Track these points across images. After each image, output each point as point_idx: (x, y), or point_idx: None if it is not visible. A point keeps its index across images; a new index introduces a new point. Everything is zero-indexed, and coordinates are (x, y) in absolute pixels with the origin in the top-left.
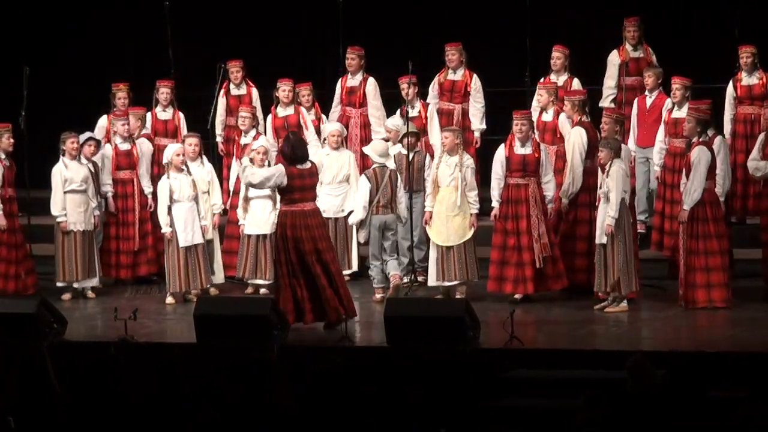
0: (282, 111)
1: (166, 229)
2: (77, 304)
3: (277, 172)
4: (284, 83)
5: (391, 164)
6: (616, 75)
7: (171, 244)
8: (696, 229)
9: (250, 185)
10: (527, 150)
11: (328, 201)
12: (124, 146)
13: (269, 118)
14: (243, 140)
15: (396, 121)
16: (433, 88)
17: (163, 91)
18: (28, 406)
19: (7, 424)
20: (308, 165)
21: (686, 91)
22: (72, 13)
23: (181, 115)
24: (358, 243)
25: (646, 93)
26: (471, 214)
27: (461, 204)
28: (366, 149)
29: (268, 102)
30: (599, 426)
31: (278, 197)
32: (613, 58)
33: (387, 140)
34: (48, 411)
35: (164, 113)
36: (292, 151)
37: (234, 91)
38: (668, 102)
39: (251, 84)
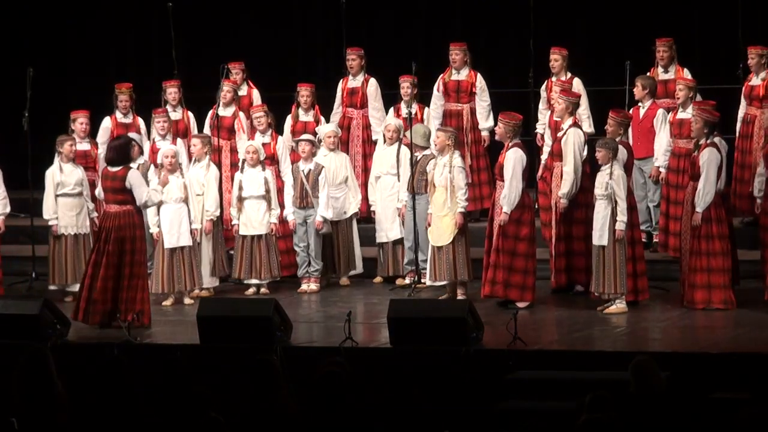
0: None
1: (154, 229)
2: None
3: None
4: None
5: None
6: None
7: (158, 244)
8: (699, 230)
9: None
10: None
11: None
12: (162, 144)
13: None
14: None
15: (398, 120)
16: (438, 89)
17: (171, 92)
18: (31, 407)
19: (10, 425)
20: (117, 168)
21: (689, 91)
22: (74, 13)
23: (190, 114)
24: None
25: (639, 104)
26: (457, 213)
27: (450, 204)
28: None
29: (271, 103)
30: (602, 427)
31: (272, 198)
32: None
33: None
34: (51, 412)
35: (174, 113)
36: (109, 153)
37: None
38: (660, 112)
39: (252, 85)
